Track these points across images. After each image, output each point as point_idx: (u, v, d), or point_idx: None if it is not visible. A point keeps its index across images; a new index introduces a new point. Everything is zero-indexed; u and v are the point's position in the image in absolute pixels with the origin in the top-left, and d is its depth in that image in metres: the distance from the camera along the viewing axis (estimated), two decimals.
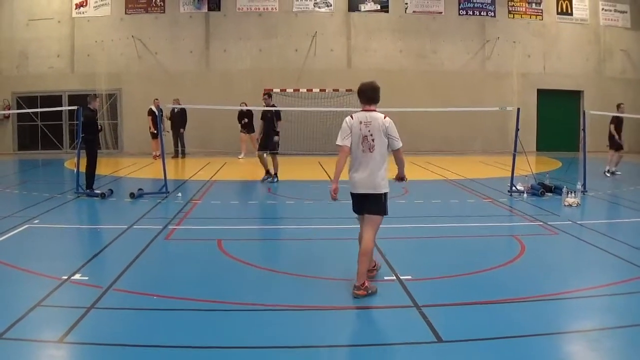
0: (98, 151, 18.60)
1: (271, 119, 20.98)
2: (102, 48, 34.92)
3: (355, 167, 8.87)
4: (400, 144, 8.81)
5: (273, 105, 21.61)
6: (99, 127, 18.70)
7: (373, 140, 8.70)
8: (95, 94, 21.76)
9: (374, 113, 8.85)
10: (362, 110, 8.97)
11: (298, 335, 7.24)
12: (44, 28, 34.98)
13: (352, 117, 8.91)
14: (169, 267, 10.49)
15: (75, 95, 33.13)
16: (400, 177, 9.21)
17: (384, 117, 8.78)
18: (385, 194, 8.81)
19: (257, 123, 23.14)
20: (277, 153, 21.21)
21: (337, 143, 8.82)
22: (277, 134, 21.12)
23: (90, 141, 18.01)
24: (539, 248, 11.74)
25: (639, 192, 19.50)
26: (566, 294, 8.75)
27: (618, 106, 24.27)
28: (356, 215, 9.33)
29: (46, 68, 35.11)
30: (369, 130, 8.72)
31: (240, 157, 30.00)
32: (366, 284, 8.64)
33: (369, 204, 8.90)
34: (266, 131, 21.02)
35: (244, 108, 27.82)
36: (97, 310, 7.83)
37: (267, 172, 21.17)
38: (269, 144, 20.92)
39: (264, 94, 21.65)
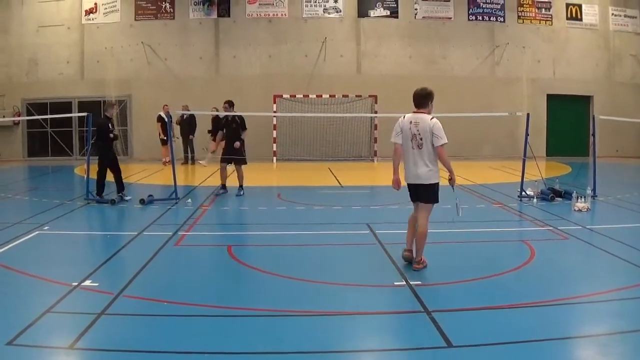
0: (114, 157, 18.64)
1: (236, 129, 19.79)
2: (111, 54, 35.05)
3: (407, 161, 10.31)
4: (442, 142, 10.06)
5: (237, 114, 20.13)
6: (113, 134, 18.27)
7: (421, 138, 10.08)
8: (113, 102, 21.58)
9: (422, 115, 10.23)
10: (413, 112, 10.35)
11: (308, 341, 7.23)
12: (53, 35, 35.11)
13: (404, 117, 10.41)
14: (179, 273, 10.50)
15: (85, 101, 33.23)
16: (450, 180, 10.48)
17: (431, 119, 10.16)
18: (434, 184, 10.30)
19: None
20: (243, 164, 20.11)
21: (391, 140, 10.44)
22: (243, 143, 19.92)
23: (100, 148, 17.98)
24: (549, 253, 11.72)
25: None
26: (576, 299, 8.73)
27: None
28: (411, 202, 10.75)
29: (56, 74, 35.23)
30: (417, 130, 10.10)
31: (203, 162, 29.34)
32: (423, 259, 10.36)
33: (421, 193, 10.38)
34: (232, 141, 19.76)
35: (214, 113, 27.72)
36: (107, 317, 7.85)
37: (224, 185, 20.11)
38: (234, 154, 19.83)
39: (225, 103, 20.21)
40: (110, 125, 18.25)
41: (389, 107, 31.90)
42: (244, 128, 19.92)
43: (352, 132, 34.25)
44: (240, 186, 19.94)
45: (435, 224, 14.80)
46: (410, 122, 10.18)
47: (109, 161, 18.25)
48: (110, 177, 18.12)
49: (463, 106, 32.09)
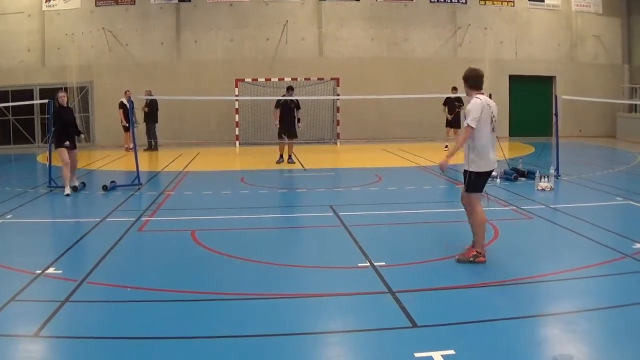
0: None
1: (293, 109, 24.10)
2: (72, 41, 34.55)
3: None
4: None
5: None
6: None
7: None
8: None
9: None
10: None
11: (273, 324, 7.23)
12: (13, 22, 34.55)
13: None
14: (142, 258, 10.50)
15: (46, 89, 32.84)
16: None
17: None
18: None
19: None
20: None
21: None
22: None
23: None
24: (512, 232, 11.82)
25: (610, 175, 19.68)
26: (541, 278, 8.84)
27: None
28: None
29: (17, 62, 34.70)
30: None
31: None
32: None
33: None
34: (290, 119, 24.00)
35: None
36: (71, 304, 7.82)
37: (282, 156, 24.45)
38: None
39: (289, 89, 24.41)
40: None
41: (351, 89, 31.99)
42: (298, 108, 24.49)
43: (314, 115, 34.13)
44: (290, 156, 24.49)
45: (398, 204, 14.89)
46: None
47: None
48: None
49: (425, 88, 32.11)
